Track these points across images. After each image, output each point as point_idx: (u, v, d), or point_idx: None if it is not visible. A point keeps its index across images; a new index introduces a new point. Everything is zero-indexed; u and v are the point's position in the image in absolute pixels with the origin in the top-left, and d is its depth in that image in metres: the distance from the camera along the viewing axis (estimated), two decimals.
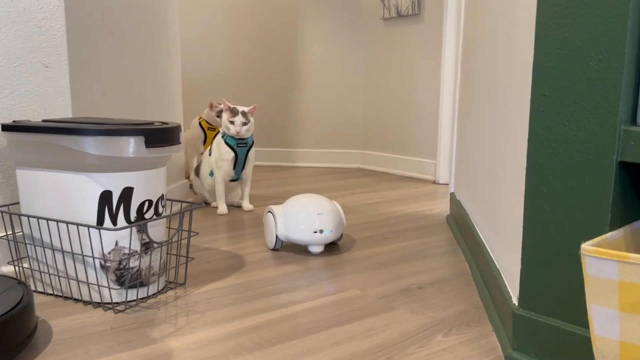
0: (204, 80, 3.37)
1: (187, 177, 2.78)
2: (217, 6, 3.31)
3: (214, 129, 2.69)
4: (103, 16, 1.61)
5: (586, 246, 0.74)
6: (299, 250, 1.63)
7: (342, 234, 1.66)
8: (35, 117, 1.37)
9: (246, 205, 2.15)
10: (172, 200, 1.36)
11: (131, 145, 1.14)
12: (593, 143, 0.86)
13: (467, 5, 1.86)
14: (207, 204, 2.24)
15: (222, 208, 2.07)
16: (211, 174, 2.10)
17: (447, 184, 2.77)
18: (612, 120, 0.83)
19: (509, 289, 1.06)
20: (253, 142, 2.11)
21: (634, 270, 0.70)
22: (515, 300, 1.00)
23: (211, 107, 2.65)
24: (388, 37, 3.09)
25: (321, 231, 1.55)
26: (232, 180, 2.12)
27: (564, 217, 0.90)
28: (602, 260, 0.74)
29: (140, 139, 1.15)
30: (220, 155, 2.04)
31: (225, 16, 3.31)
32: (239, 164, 2.06)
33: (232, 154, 2.03)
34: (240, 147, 2.04)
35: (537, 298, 0.95)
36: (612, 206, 0.85)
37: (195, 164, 2.74)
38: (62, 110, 1.43)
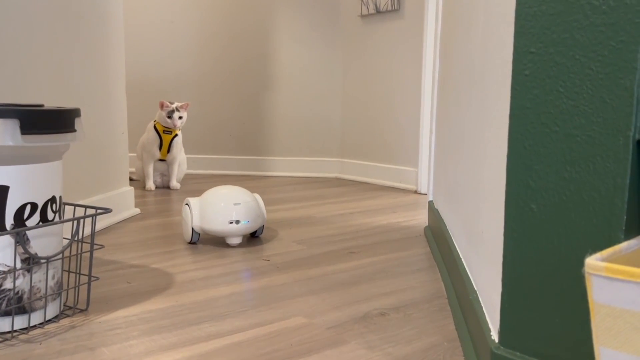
0: (169, 81, 3.12)
1: (144, 187, 2.51)
2: (183, 1, 3.07)
3: (170, 132, 2.44)
4: None
5: (593, 262, 0.49)
6: (244, 264, 1.36)
7: (263, 227, 1.64)
8: None
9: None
10: (72, 205, 1.09)
11: (1, 131, 0.88)
12: (600, 115, 0.61)
13: None
14: None
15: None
16: None
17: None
18: (628, 81, 0.58)
19: (487, 319, 0.80)
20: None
21: None
22: (494, 335, 0.74)
23: (162, 106, 2.41)
24: (366, 36, 2.86)
25: (237, 222, 1.50)
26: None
27: (560, 221, 0.65)
28: (617, 283, 0.49)
29: (13, 123, 0.89)
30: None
31: (191, 12, 3.07)
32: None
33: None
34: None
35: (523, 333, 0.69)
36: (628, 204, 0.59)
37: (151, 172, 2.48)
38: None
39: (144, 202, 2.21)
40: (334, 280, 1.27)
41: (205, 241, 1.61)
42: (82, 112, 1.67)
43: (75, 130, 0.99)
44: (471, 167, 1.01)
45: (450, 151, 1.35)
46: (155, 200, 2.26)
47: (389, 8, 2.68)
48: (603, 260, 0.50)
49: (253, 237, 1.66)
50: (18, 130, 0.89)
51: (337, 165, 3.07)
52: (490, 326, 0.77)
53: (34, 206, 0.96)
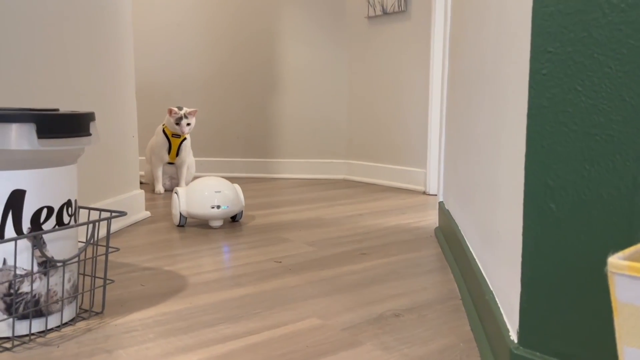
0: (176, 84, 3.13)
1: (153, 190, 2.52)
2: (190, 4, 3.08)
3: (179, 136, 2.45)
4: None
5: (616, 260, 0.49)
6: (256, 265, 1.37)
7: (242, 212, 1.88)
8: None
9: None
10: (87, 208, 1.10)
11: (17, 136, 0.89)
12: (620, 114, 0.61)
13: None
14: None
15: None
16: None
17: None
18: None
19: (505, 320, 0.80)
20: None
21: None
22: (513, 336, 0.74)
23: (170, 113, 2.42)
24: (373, 37, 2.86)
25: (218, 207, 1.74)
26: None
27: (580, 220, 0.65)
28: None
29: (30, 128, 0.90)
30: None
31: (198, 15, 3.09)
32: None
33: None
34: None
35: (543, 333, 0.69)
36: None
37: (160, 175, 2.49)
38: None
39: (154, 205, 2.22)
40: (346, 282, 1.27)
41: (192, 224, 1.88)
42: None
43: (90, 134, 0.99)
44: (485, 167, 1.01)
45: (462, 152, 1.35)
46: (164, 203, 2.26)
47: (396, 9, 2.68)
48: (625, 259, 0.50)
49: (233, 221, 1.91)
50: (34, 135, 0.90)
51: (345, 167, 3.07)
52: (509, 326, 0.77)
53: (50, 210, 0.96)
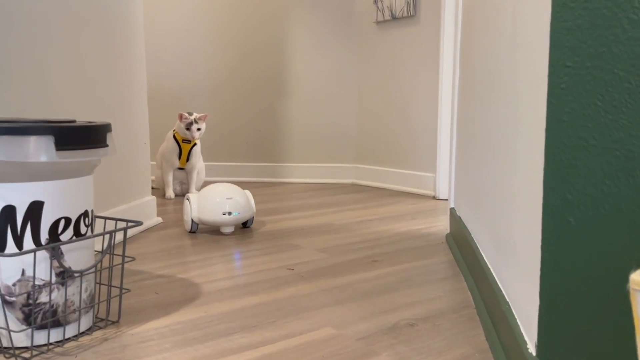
0: (185, 90, 3.15)
1: (163, 195, 2.53)
2: (199, 10, 3.10)
3: (189, 141, 2.46)
4: (35, 3, 1.38)
5: (638, 277, 0.49)
6: (268, 273, 1.37)
7: (252, 218, 1.88)
8: None
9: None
10: (103, 218, 1.11)
11: (36, 148, 0.90)
12: None
13: None
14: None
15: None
16: None
17: (448, 200, 2.51)
18: None
19: (522, 332, 0.80)
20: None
21: None
22: (532, 348, 0.74)
23: (180, 118, 2.43)
24: (382, 42, 2.86)
25: (230, 213, 1.75)
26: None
27: (600, 234, 0.65)
28: None
29: (49, 140, 0.91)
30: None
31: (207, 21, 3.10)
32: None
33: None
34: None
35: (562, 347, 0.69)
36: None
37: (170, 181, 2.50)
38: None
39: (165, 211, 2.23)
40: (359, 290, 1.28)
41: (203, 230, 1.89)
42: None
43: (107, 145, 1.00)
44: (499, 177, 1.01)
45: (474, 160, 1.35)
46: (175, 209, 2.27)
47: (405, 14, 2.69)
48: None
49: (244, 227, 1.91)
50: (53, 147, 0.91)
51: (353, 171, 3.08)
52: (526, 339, 0.77)
53: (67, 220, 0.97)
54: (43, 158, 0.90)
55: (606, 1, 0.62)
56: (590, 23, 0.64)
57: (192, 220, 1.80)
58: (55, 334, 0.97)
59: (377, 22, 2.86)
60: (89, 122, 1.01)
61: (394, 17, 2.75)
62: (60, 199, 0.95)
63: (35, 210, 0.93)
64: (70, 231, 0.98)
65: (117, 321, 1.08)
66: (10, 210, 0.92)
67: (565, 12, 0.66)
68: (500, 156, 1.01)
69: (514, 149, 0.88)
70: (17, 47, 1.30)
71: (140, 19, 1.91)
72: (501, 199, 0.99)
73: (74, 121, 1.02)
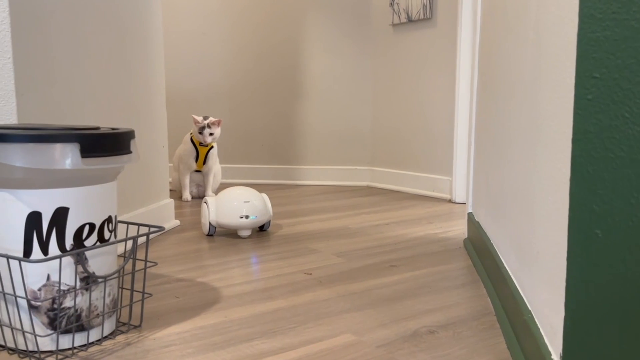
0: (201, 92, 3.17)
1: (180, 198, 2.55)
2: (215, 14, 3.12)
3: (209, 144, 2.47)
4: (60, 9, 1.40)
5: None
6: (286, 277, 1.38)
7: (269, 222, 1.89)
8: None
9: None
10: (125, 223, 1.12)
11: (62, 155, 0.91)
12: None
13: (484, 1, 1.62)
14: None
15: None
16: None
17: (465, 203, 2.50)
18: None
19: (546, 342, 0.79)
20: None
21: None
22: (556, 359, 0.74)
23: (195, 122, 2.45)
24: (398, 44, 2.86)
25: (247, 217, 1.77)
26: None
27: (627, 247, 0.64)
28: None
29: (74, 147, 0.92)
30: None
31: (223, 24, 3.12)
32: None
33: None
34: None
35: (591, 358, 0.68)
36: None
37: (187, 183, 2.52)
38: (5, 115, 1.22)
39: (182, 213, 2.25)
40: (377, 296, 1.28)
41: (220, 233, 1.91)
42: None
43: (130, 152, 1.01)
44: (520, 185, 1.01)
45: (494, 166, 1.34)
46: (191, 212, 2.29)
47: (421, 17, 2.68)
48: None
49: (261, 231, 1.92)
50: (78, 154, 0.92)
51: (368, 174, 3.08)
52: (550, 349, 0.77)
53: (92, 226, 0.98)
54: (68, 165, 0.92)
55: (635, 13, 0.62)
56: (618, 34, 0.63)
57: (209, 223, 1.82)
58: (79, 339, 0.99)
59: (393, 25, 2.85)
60: (113, 129, 1.02)
61: (410, 20, 2.74)
62: (85, 205, 0.97)
63: (60, 216, 0.95)
64: (94, 237, 0.99)
65: (139, 325, 1.09)
66: (36, 216, 0.93)
67: (592, 23, 0.65)
68: (520, 164, 1.01)
69: (535, 158, 0.88)
70: (41, 54, 1.32)
71: (159, 24, 1.93)
72: (522, 206, 0.99)
73: (98, 128, 1.03)
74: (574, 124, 0.68)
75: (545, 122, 0.83)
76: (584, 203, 0.67)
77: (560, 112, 0.75)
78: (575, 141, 0.68)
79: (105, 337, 1.03)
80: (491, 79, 1.43)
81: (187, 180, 2.52)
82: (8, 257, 0.91)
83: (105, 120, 1.59)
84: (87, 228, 0.98)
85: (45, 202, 0.94)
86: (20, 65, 1.24)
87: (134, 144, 1.04)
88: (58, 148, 0.91)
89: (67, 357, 0.96)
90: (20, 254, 0.93)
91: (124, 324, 1.09)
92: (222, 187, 2.97)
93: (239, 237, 1.84)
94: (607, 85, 0.65)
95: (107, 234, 1.02)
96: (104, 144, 0.96)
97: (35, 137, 0.90)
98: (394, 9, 2.82)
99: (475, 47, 1.73)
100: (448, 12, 2.59)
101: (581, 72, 0.67)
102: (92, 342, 1.01)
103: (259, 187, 2.99)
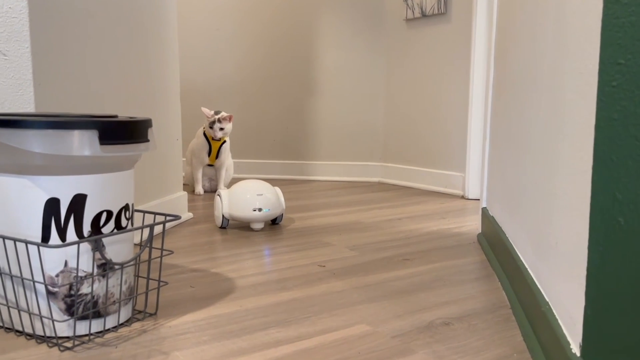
0: (213, 87, 3.17)
1: (193, 191, 2.56)
2: (229, 9, 3.12)
3: (220, 138, 2.48)
4: (77, 1, 1.41)
5: None
6: (300, 269, 1.38)
7: (282, 215, 1.91)
8: None
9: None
10: (142, 212, 1.13)
11: (80, 142, 0.92)
12: None
13: None
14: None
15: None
16: None
17: (478, 199, 2.49)
18: None
19: (564, 332, 0.79)
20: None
21: None
22: (575, 349, 0.73)
23: (206, 115, 2.46)
24: (411, 40, 2.85)
25: (260, 209, 1.77)
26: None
27: None
28: None
29: (93, 134, 0.93)
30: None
31: (236, 19, 3.12)
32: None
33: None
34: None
35: (609, 348, 0.68)
36: None
37: (200, 177, 2.53)
38: (23, 104, 1.23)
39: (194, 207, 2.25)
40: (392, 288, 1.27)
41: (233, 225, 1.91)
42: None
43: (148, 140, 1.02)
44: (539, 177, 1.00)
45: (510, 159, 1.33)
46: (204, 205, 2.30)
47: (435, 12, 2.67)
48: None
49: (274, 224, 1.93)
50: (97, 141, 0.93)
51: (380, 170, 3.07)
52: (569, 339, 0.76)
53: (109, 214, 0.99)
54: (87, 152, 0.92)
55: None
56: None
57: (222, 216, 1.82)
58: (96, 325, 0.99)
59: (407, 20, 2.84)
60: (131, 117, 1.03)
61: (424, 15, 2.73)
62: (102, 193, 0.97)
63: (78, 202, 0.95)
64: (111, 224, 1.00)
65: (155, 313, 1.10)
66: (54, 202, 0.94)
67: (617, 8, 0.64)
68: (540, 155, 1.00)
69: (557, 147, 0.87)
70: (58, 45, 1.33)
71: (174, 17, 1.94)
72: (541, 198, 0.98)
73: (116, 116, 1.04)
74: (597, 111, 0.67)
75: (567, 110, 0.82)
76: (606, 191, 0.66)
77: (582, 99, 0.74)
78: (598, 128, 0.67)
79: (122, 324, 1.04)
80: (509, 72, 1.41)
81: (199, 174, 2.53)
82: (27, 242, 0.92)
83: (120, 112, 1.60)
84: (104, 215, 0.98)
85: (64, 189, 0.94)
86: (38, 56, 1.25)
87: (152, 133, 1.04)
88: (77, 135, 0.92)
89: (83, 342, 0.97)
90: (39, 240, 0.94)
91: (140, 312, 1.10)
92: (234, 181, 2.98)
93: (252, 229, 1.84)
94: (633, 72, 0.64)
95: (124, 222, 1.02)
96: (122, 132, 0.96)
97: (54, 124, 0.91)
98: (407, 4, 2.81)
99: (491, 41, 1.72)
100: (463, 7, 2.57)
101: (605, 58, 0.66)
102: (109, 329, 1.01)
103: (271, 182, 2.99)
